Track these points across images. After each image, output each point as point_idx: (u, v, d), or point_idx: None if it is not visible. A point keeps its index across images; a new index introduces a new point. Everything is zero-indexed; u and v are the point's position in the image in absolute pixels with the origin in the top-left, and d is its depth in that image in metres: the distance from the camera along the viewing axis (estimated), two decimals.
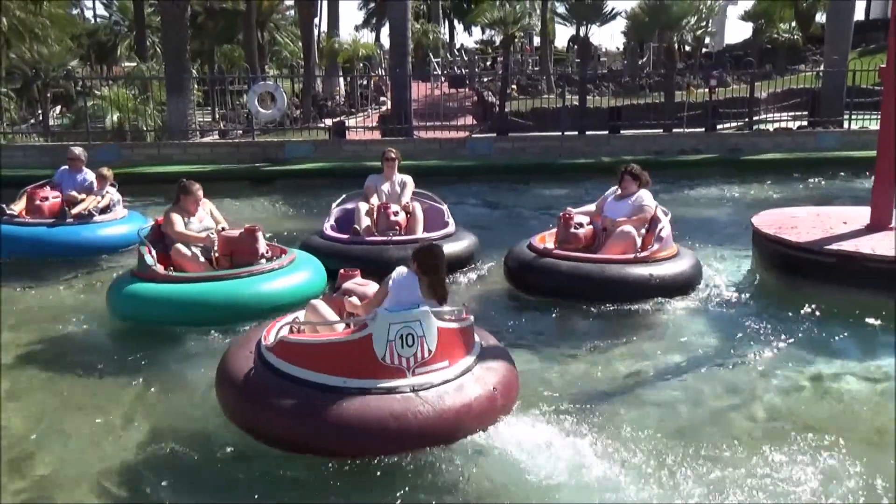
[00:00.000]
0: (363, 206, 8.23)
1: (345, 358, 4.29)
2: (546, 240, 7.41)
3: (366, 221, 8.08)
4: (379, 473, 4.03)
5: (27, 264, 8.43)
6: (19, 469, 4.27)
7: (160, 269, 6.49)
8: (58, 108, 26.99)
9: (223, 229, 7.08)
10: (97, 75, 23.26)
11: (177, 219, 6.85)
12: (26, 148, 16.59)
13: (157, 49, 33.01)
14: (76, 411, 5.00)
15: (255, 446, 4.26)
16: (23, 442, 4.57)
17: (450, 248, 7.42)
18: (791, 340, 5.94)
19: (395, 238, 7.81)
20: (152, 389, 5.24)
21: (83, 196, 9.38)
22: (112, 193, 9.64)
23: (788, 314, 6.47)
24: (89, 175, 9.71)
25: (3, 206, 9.00)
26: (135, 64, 28.45)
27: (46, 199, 9.23)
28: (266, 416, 4.24)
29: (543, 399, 4.95)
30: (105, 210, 9.42)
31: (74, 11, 36.83)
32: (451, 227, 8.22)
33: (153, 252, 6.60)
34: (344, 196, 8.78)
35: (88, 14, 48.74)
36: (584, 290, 6.72)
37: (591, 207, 7.64)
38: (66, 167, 9.76)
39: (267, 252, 6.92)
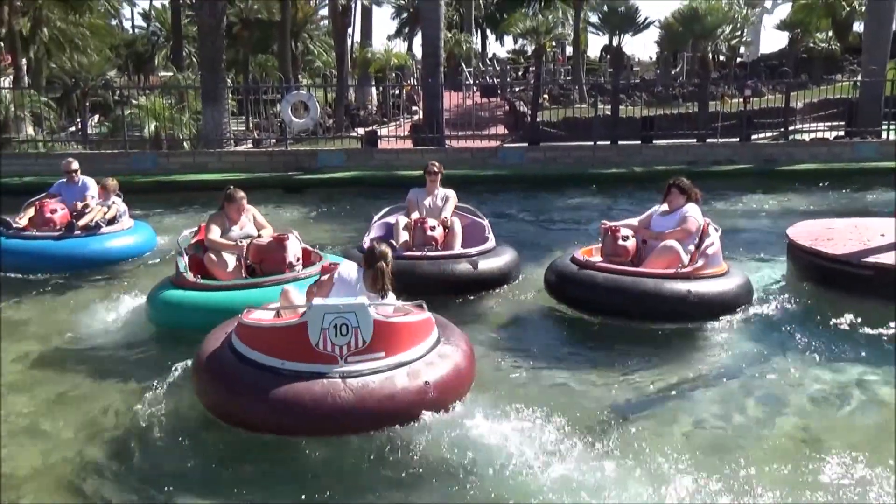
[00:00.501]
0: (402, 221, 8.07)
1: (284, 342, 4.65)
2: (592, 253, 7.16)
3: (404, 236, 7.88)
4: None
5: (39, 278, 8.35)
6: None
7: (190, 275, 6.59)
8: (96, 117, 27.45)
9: (259, 237, 7.15)
10: (134, 85, 23.70)
11: (213, 226, 6.98)
12: (65, 155, 16.87)
13: (193, 59, 33.55)
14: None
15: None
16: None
17: (487, 265, 7.48)
18: (826, 354, 5.85)
19: (429, 254, 7.59)
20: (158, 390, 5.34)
21: (85, 205, 9.29)
22: (118, 204, 9.55)
23: (824, 327, 6.38)
24: (89, 182, 9.65)
25: (9, 219, 8.91)
26: (171, 73, 28.89)
27: (55, 210, 9.13)
28: (215, 393, 4.70)
29: (572, 415, 4.91)
30: (112, 221, 9.31)
31: (114, 22, 37.50)
32: (491, 243, 7.95)
33: (186, 258, 6.73)
34: (386, 209, 8.49)
35: (127, 25, 49.66)
36: (620, 304, 6.47)
37: (633, 222, 7.30)
38: (64, 180, 9.68)
39: (297, 261, 6.94)
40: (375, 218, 8.43)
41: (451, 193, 8.47)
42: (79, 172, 9.72)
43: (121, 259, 9.02)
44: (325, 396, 4.39)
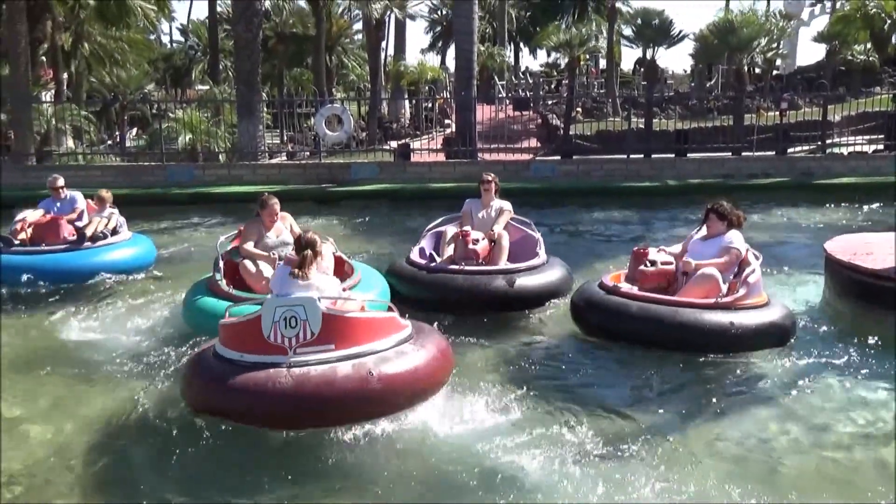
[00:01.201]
0: (449, 232, 7.90)
1: (242, 335, 4.94)
2: (621, 279, 6.74)
3: (449, 249, 7.74)
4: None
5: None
6: None
7: (223, 284, 6.68)
8: (134, 130, 27.92)
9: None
10: (172, 98, 24.02)
11: (248, 234, 7.07)
12: (104, 168, 17.21)
13: (230, 73, 33.95)
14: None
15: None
16: None
17: (528, 282, 7.17)
18: (864, 370, 5.74)
19: (466, 268, 7.28)
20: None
21: (78, 217, 9.33)
22: (116, 215, 9.52)
23: (862, 343, 6.26)
24: (77, 196, 9.68)
25: (9, 236, 8.84)
26: (207, 87, 29.28)
27: (57, 224, 9.10)
28: (187, 385, 5.08)
29: (598, 426, 4.88)
30: (112, 233, 9.30)
31: (152, 37, 38.15)
32: (541, 258, 7.59)
33: (221, 263, 6.95)
34: (440, 220, 8.32)
35: (165, 39, 50.52)
36: (654, 335, 6.08)
37: (675, 249, 6.86)
38: (50, 197, 9.66)
39: (325, 272, 6.95)
40: (427, 228, 8.26)
41: (507, 206, 8.16)
42: (64, 188, 9.71)
43: (121, 271, 8.90)
44: (270, 385, 4.60)
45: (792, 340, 6.35)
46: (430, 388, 5.07)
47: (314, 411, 4.63)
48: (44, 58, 24.96)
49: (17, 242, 8.79)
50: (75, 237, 8.99)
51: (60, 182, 9.75)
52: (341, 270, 7.16)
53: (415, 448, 4.67)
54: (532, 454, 4.50)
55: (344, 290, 5.91)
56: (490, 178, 8.24)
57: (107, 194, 9.72)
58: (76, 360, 6.40)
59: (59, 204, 9.56)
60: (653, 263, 6.57)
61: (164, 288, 8.48)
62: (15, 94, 18.56)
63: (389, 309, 5.41)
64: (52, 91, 24.81)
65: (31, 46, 19.99)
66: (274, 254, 6.99)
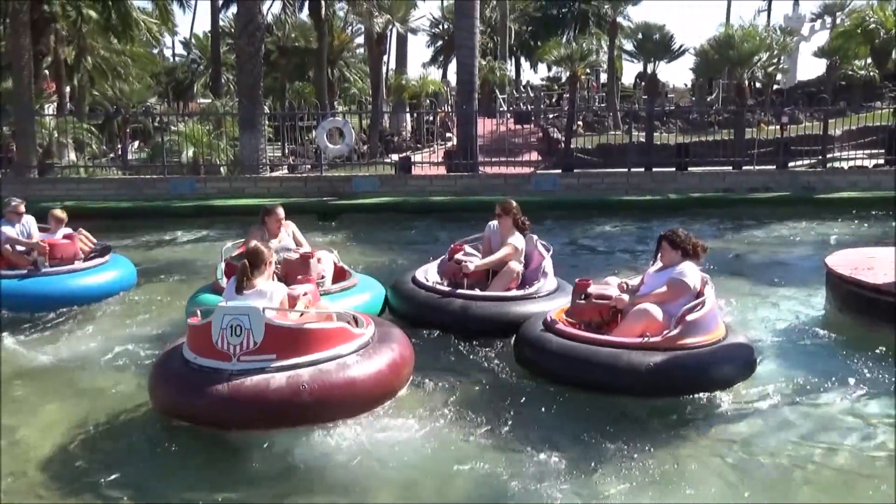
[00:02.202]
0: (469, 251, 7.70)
1: (198, 339, 5.16)
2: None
3: (438, 267, 7.66)
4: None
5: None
6: None
7: (223, 282, 6.85)
8: (136, 143, 28.00)
9: (296, 251, 7.40)
10: (174, 111, 24.10)
11: (251, 239, 7.10)
12: (106, 181, 17.25)
13: (232, 86, 34.08)
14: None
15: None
16: None
17: (517, 309, 6.75)
18: (865, 386, 5.72)
19: (444, 288, 7.16)
20: None
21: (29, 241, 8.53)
22: (83, 236, 8.89)
23: (862, 358, 6.22)
24: (30, 219, 8.85)
25: None
26: (210, 100, 29.40)
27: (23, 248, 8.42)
28: (149, 384, 5.31)
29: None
30: (94, 255, 8.75)
31: (155, 50, 38.33)
32: (539, 287, 7.13)
33: (223, 265, 7.23)
34: (472, 237, 8.01)
35: (168, 53, 50.75)
36: (569, 374, 5.62)
37: (634, 281, 6.31)
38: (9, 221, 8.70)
39: (321, 277, 7.14)
40: (454, 243, 7.96)
41: (516, 245, 7.39)
42: (22, 214, 8.81)
43: (100, 296, 8.33)
44: (208, 390, 4.85)
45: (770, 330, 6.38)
46: (369, 401, 5.17)
47: (245, 418, 4.85)
48: (47, 71, 25.09)
49: None
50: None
51: (22, 208, 8.83)
52: (342, 278, 7.41)
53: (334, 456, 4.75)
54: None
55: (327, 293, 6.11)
56: (499, 210, 7.51)
57: (62, 214, 8.98)
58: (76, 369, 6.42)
59: (18, 227, 8.71)
60: (587, 297, 6.10)
61: (158, 300, 8.55)
62: (18, 106, 18.61)
63: (354, 319, 5.66)
64: (55, 104, 24.92)
65: (34, 59, 20.08)
66: (272, 257, 7.02)
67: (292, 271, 7.07)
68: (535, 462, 4.63)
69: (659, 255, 6.10)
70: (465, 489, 4.43)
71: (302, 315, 5.45)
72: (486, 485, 4.44)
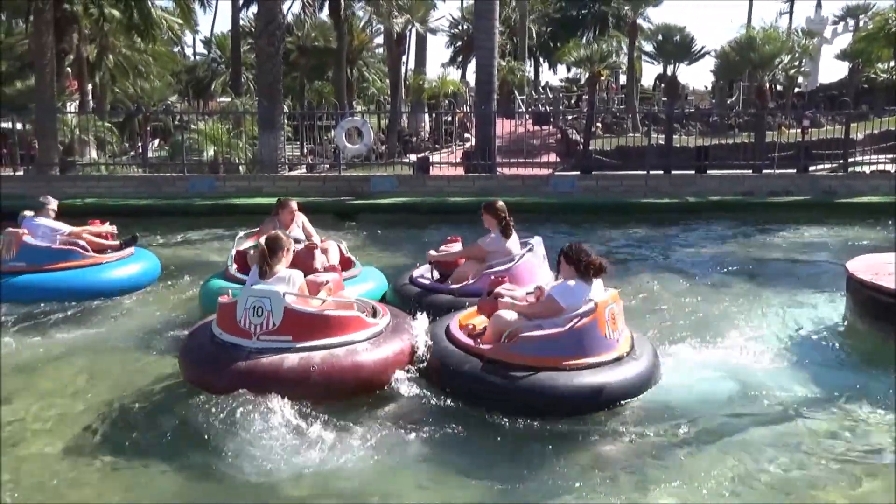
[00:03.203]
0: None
1: (225, 317, 5.63)
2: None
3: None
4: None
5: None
6: None
7: (233, 269, 7.55)
8: (156, 141, 28.21)
9: (306, 241, 7.94)
10: (194, 110, 24.22)
11: (264, 230, 7.61)
12: (126, 178, 17.39)
13: (251, 85, 34.27)
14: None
15: None
16: None
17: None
18: (885, 391, 5.65)
19: (432, 285, 7.38)
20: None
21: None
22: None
23: (883, 366, 6.15)
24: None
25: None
26: (229, 99, 29.55)
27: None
28: (180, 355, 5.84)
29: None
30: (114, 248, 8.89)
31: (176, 49, 38.55)
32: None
33: (234, 253, 7.84)
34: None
35: (188, 52, 51.05)
36: (438, 379, 5.60)
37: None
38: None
39: (323, 268, 7.42)
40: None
41: (481, 242, 7.40)
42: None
43: (122, 290, 8.53)
44: (229, 364, 5.30)
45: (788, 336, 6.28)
46: (372, 386, 5.50)
47: (259, 393, 5.15)
48: (69, 69, 25.30)
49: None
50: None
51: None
52: (347, 267, 7.87)
53: None
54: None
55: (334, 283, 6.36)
56: (482, 210, 7.48)
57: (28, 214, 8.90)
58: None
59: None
60: (490, 294, 6.09)
61: (178, 292, 8.81)
62: (40, 104, 18.80)
63: (374, 308, 6.06)
64: (77, 102, 25.14)
65: (57, 58, 20.26)
66: (290, 245, 7.33)
67: (298, 261, 7.13)
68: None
69: (559, 269, 5.83)
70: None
71: (323, 303, 5.77)
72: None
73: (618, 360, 5.43)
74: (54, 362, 6.58)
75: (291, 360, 5.30)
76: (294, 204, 8.18)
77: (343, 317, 5.64)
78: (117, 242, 9.13)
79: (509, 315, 5.62)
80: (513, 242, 7.35)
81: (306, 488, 4.45)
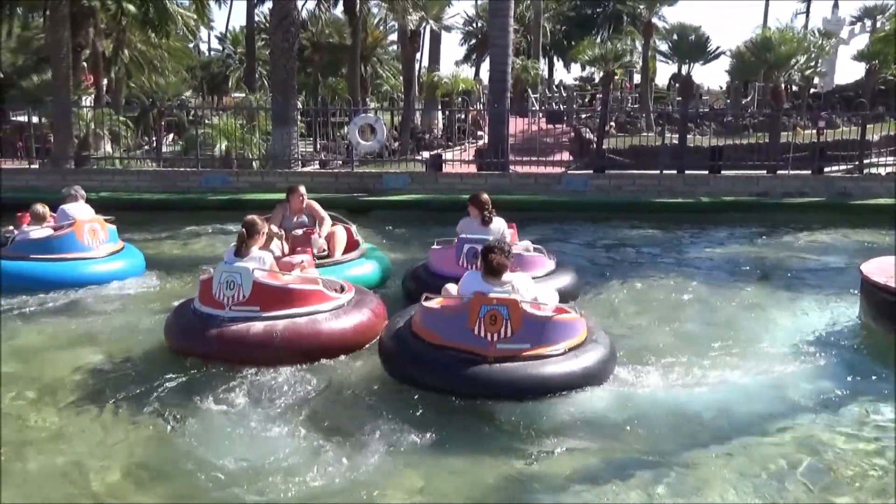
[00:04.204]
0: None
1: (203, 291, 6.37)
2: None
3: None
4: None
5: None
6: None
7: None
8: (171, 136, 28.31)
9: (312, 227, 8.51)
10: (208, 105, 24.28)
11: (275, 214, 8.44)
12: (140, 172, 17.46)
13: (265, 81, 34.30)
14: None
15: None
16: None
17: None
18: (890, 397, 5.60)
19: (441, 270, 7.88)
20: None
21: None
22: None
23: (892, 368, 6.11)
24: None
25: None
26: (243, 95, 29.63)
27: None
28: (165, 328, 6.46)
29: None
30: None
31: (191, 45, 38.69)
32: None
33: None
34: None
35: (203, 47, 51.22)
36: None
37: None
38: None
39: (321, 250, 8.16)
40: None
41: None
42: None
43: (103, 282, 8.58)
44: (203, 331, 6.03)
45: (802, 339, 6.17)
46: (331, 352, 6.14)
47: (230, 356, 5.90)
48: (85, 63, 25.45)
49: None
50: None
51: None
52: (354, 248, 8.56)
53: None
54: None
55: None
56: (468, 202, 8.15)
57: (42, 209, 8.91)
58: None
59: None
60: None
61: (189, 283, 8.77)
62: (56, 98, 18.91)
63: (341, 286, 6.75)
64: (93, 96, 25.31)
65: (73, 52, 20.38)
66: (281, 231, 8.16)
67: (296, 243, 8.18)
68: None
69: None
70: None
71: (294, 278, 6.53)
72: None
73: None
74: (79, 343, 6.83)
75: (257, 327, 5.99)
76: (303, 189, 8.73)
77: (306, 290, 6.33)
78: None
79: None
80: (493, 230, 7.82)
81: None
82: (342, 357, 6.22)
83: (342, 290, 6.75)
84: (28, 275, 8.21)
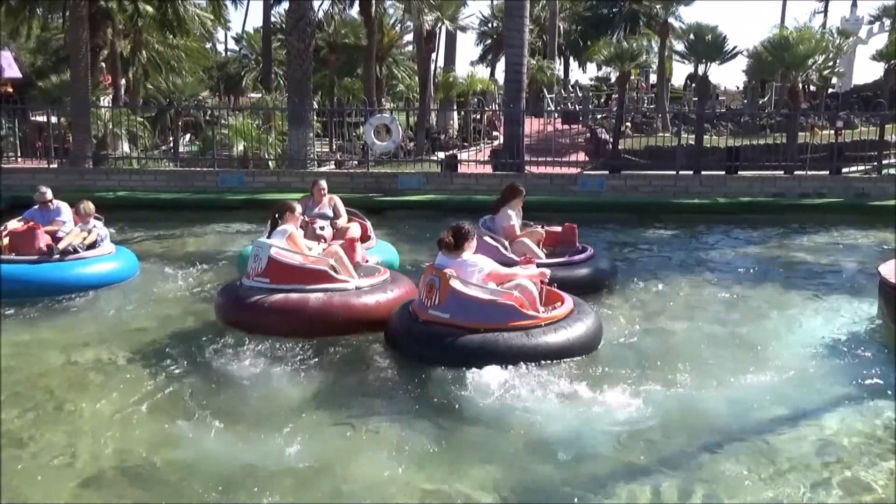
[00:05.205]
0: None
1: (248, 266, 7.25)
2: None
3: None
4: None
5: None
6: None
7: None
8: (188, 136, 28.46)
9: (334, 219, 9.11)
10: (225, 106, 24.37)
11: (300, 203, 8.43)
12: (157, 172, 17.58)
13: (282, 81, 34.46)
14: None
15: None
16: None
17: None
18: None
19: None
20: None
21: (56, 229, 8.93)
22: (98, 228, 9.06)
23: None
24: (62, 206, 9.26)
25: None
26: (260, 95, 29.76)
27: (33, 234, 8.60)
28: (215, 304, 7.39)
29: None
30: (92, 246, 8.82)
31: (208, 45, 38.89)
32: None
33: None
34: None
35: (220, 48, 51.48)
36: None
37: None
38: (37, 207, 9.20)
39: (364, 261, 7.95)
40: None
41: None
42: (53, 201, 9.25)
43: (100, 285, 8.58)
44: (230, 298, 7.09)
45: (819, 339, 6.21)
46: (317, 330, 6.66)
47: (241, 320, 6.88)
48: (103, 64, 25.65)
49: None
50: (47, 249, 8.49)
51: (49, 196, 9.26)
52: (365, 240, 8.87)
53: None
54: None
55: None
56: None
57: (88, 206, 9.18)
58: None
59: (44, 213, 9.15)
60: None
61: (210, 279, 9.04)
62: (75, 98, 19.06)
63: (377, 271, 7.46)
64: (110, 96, 25.48)
65: (91, 53, 20.53)
66: (303, 219, 8.39)
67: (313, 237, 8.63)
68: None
69: None
70: None
71: (311, 258, 7.13)
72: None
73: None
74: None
75: (260, 299, 6.79)
76: (323, 183, 9.47)
77: (315, 270, 6.96)
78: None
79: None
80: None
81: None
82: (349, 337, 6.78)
83: (376, 274, 7.42)
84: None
